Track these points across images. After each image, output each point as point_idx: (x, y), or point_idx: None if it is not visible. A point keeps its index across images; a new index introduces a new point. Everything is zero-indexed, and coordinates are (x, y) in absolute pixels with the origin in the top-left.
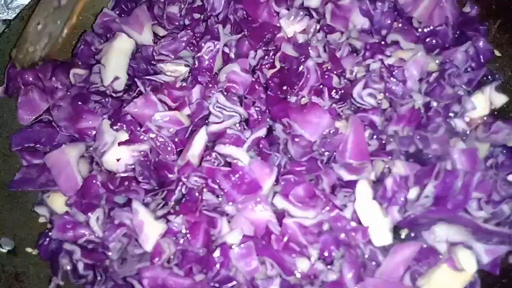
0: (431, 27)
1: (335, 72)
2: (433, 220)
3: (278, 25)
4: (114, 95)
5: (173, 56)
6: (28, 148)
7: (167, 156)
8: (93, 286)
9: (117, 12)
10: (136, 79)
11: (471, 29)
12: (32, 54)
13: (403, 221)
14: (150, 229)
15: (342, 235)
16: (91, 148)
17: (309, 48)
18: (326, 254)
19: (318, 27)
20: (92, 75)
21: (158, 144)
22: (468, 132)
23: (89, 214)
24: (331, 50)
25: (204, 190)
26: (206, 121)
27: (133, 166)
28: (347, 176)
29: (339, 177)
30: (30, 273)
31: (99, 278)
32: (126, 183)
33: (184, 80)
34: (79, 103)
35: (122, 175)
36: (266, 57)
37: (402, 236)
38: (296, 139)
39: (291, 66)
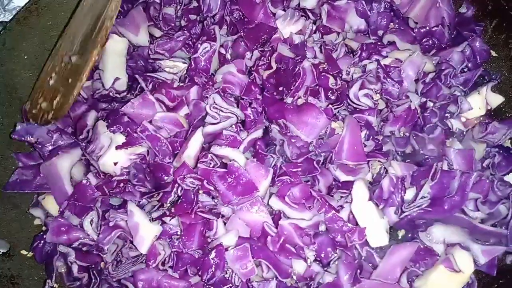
0: (427, 28)
1: (331, 73)
2: (430, 221)
3: (274, 26)
4: (118, 96)
5: (168, 55)
6: (28, 143)
7: (164, 158)
8: None
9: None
10: (136, 76)
11: (467, 29)
12: (45, 112)
13: (400, 222)
14: (146, 231)
15: (339, 237)
16: (87, 152)
17: (306, 49)
18: (322, 255)
19: (314, 28)
20: (94, 82)
21: (156, 145)
22: (464, 132)
23: (83, 217)
24: (328, 50)
25: (200, 191)
26: (204, 122)
27: (128, 170)
28: (343, 177)
29: (335, 178)
30: (24, 276)
31: (93, 280)
32: (122, 185)
33: (181, 80)
34: None
35: (118, 178)
36: (262, 58)
37: (399, 237)
38: (293, 140)
39: (287, 67)
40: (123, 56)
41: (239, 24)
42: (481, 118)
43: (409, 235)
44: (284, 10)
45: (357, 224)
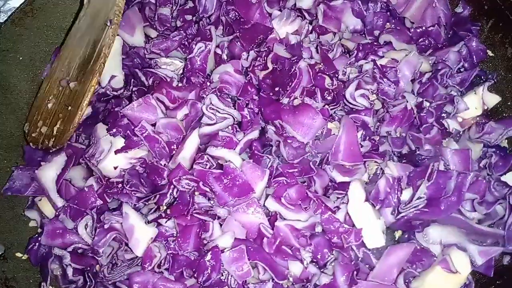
0: (424, 28)
1: (327, 73)
2: (427, 222)
3: (270, 26)
4: (115, 93)
5: (164, 55)
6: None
7: (161, 160)
8: None
9: None
10: (137, 70)
11: (463, 29)
12: (46, 137)
13: (396, 222)
14: (141, 234)
15: (335, 238)
16: (86, 156)
17: (302, 49)
18: (319, 256)
19: (310, 28)
20: None
21: (154, 146)
22: (461, 132)
23: (78, 221)
24: (324, 51)
25: (196, 193)
26: (200, 123)
27: (123, 173)
28: (339, 178)
29: (331, 179)
30: (19, 278)
31: (89, 283)
32: (120, 186)
33: (180, 79)
34: None
35: (116, 179)
36: (258, 58)
37: (396, 238)
38: (289, 141)
39: (283, 67)
40: (118, 55)
41: (235, 24)
42: (478, 118)
43: (406, 236)
44: (280, 10)
45: (353, 225)
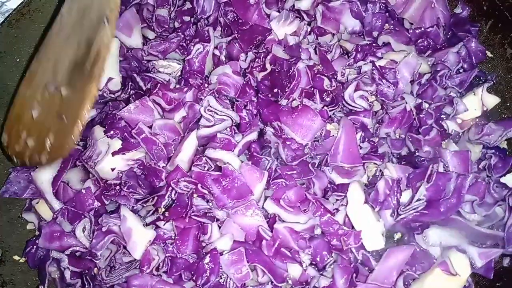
0: (423, 28)
1: (326, 75)
2: (426, 224)
3: (268, 27)
4: (112, 96)
5: (162, 57)
6: None
7: (158, 162)
8: None
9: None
10: (134, 75)
11: (462, 30)
12: (36, 152)
13: (396, 224)
14: (139, 236)
15: (334, 240)
16: (83, 158)
17: (300, 50)
18: (318, 259)
19: (309, 29)
20: None
21: (151, 148)
22: (460, 134)
23: (76, 224)
24: (322, 52)
25: (194, 195)
26: (198, 125)
27: (121, 175)
28: (338, 180)
29: (330, 181)
30: (17, 281)
31: (86, 286)
32: (118, 188)
33: (177, 81)
34: None
35: (114, 181)
36: (256, 59)
37: (395, 240)
38: (287, 143)
39: (282, 69)
40: (115, 56)
41: (233, 25)
42: (477, 120)
43: (405, 238)
44: (278, 11)
45: (352, 227)
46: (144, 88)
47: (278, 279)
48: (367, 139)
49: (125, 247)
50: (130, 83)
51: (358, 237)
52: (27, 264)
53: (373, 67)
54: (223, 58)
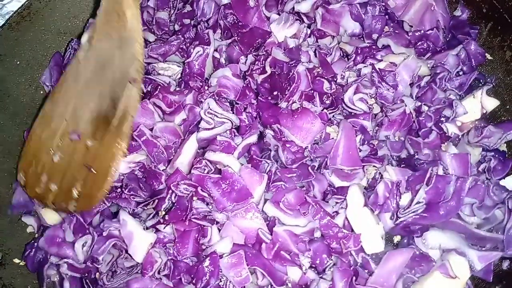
0: (422, 31)
1: (326, 77)
2: (426, 226)
3: (268, 30)
4: None
5: (162, 60)
6: None
7: (159, 165)
8: None
9: None
10: None
11: (462, 32)
12: (63, 199)
13: (395, 227)
14: (140, 240)
15: (334, 243)
16: None
17: (300, 53)
18: (317, 262)
19: (308, 31)
20: None
21: (152, 150)
22: (460, 136)
23: (77, 237)
24: (322, 55)
25: (194, 198)
26: (198, 128)
27: (122, 177)
28: (338, 182)
29: (330, 184)
30: (17, 284)
31: None
32: (119, 190)
33: (177, 84)
34: None
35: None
36: (256, 62)
37: (395, 243)
38: (287, 145)
39: (281, 71)
40: None
41: (233, 28)
42: (477, 122)
43: (405, 241)
44: (278, 14)
45: (352, 230)
46: (144, 91)
47: (278, 282)
48: (366, 142)
49: (126, 251)
50: None
51: (357, 240)
52: (27, 267)
53: (373, 70)
54: (223, 60)
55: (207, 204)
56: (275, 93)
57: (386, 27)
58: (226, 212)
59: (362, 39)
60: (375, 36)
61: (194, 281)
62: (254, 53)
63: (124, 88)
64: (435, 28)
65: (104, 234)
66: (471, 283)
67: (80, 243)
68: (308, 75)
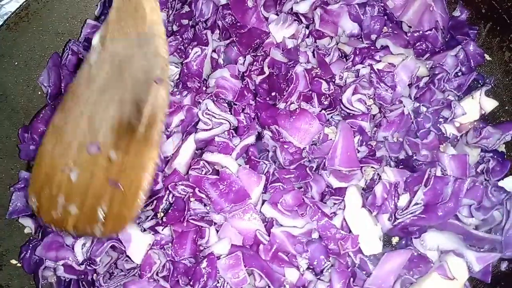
0: (421, 32)
1: (324, 78)
2: (424, 228)
3: (267, 30)
4: None
5: None
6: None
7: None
8: None
9: (104, 18)
10: None
11: (461, 33)
12: (87, 223)
13: (393, 229)
14: (138, 241)
15: (332, 244)
16: None
17: (298, 53)
18: (315, 263)
19: (307, 32)
20: None
21: None
22: (458, 137)
23: (77, 239)
24: (320, 55)
25: (191, 199)
26: (196, 129)
27: None
28: (336, 183)
29: (328, 185)
30: (14, 285)
31: None
32: None
33: (175, 84)
34: None
35: None
36: (255, 63)
37: (393, 244)
38: (285, 146)
39: (280, 72)
40: None
41: (231, 29)
42: (475, 123)
43: (403, 242)
44: (276, 14)
45: (350, 231)
46: None
47: (276, 283)
48: (365, 143)
49: (125, 253)
50: None
51: (355, 241)
52: (23, 269)
53: (371, 71)
54: (221, 61)
55: (205, 205)
56: (273, 94)
57: (385, 27)
58: (223, 213)
59: (360, 39)
60: (373, 36)
61: (191, 283)
62: (252, 54)
63: (149, 89)
64: (434, 29)
65: None
66: (469, 284)
67: (80, 243)
68: (306, 75)
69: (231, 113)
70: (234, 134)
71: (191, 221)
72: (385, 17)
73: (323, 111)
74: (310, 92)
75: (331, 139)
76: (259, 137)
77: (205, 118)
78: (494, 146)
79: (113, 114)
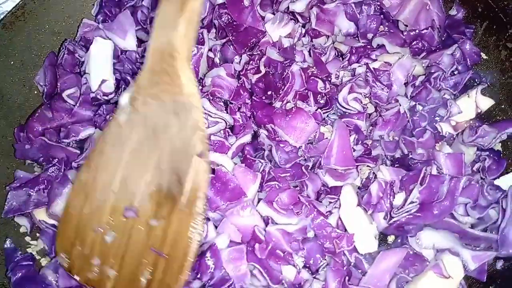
0: (417, 30)
1: (320, 77)
2: (419, 226)
3: (263, 29)
4: (105, 98)
5: None
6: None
7: None
8: None
9: (101, 18)
10: (129, 78)
11: (457, 32)
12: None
13: (389, 227)
14: None
15: (327, 243)
16: (81, 159)
17: (294, 52)
18: (311, 262)
19: (303, 31)
20: (82, 87)
21: None
22: (454, 136)
23: None
24: (317, 54)
25: None
26: None
27: None
28: (332, 182)
29: (324, 183)
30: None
31: None
32: None
33: None
34: None
35: None
36: (251, 62)
37: (388, 243)
38: (281, 145)
39: (276, 71)
40: (109, 58)
41: (227, 28)
42: (471, 122)
43: (398, 240)
44: (273, 13)
45: (345, 230)
46: None
47: (274, 280)
48: (360, 142)
49: None
50: (123, 85)
51: (350, 240)
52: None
53: (367, 69)
54: (217, 60)
55: None
56: (269, 92)
57: (381, 26)
58: (220, 211)
59: (357, 38)
60: (370, 35)
61: (199, 276)
62: (248, 53)
63: (190, 161)
64: (430, 28)
65: None
66: (465, 283)
67: None
68: (303, 74)
69: (227, 112)
70: (230, 133)
71: None
72: (382, 16)
73: (319, 110)
74: (306, 91)
75: (327, 138)
76: (255, 136)
77: None
78: (490, 144)
79: (150, 180)
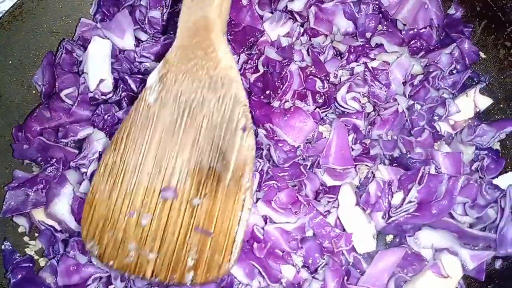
0: (416, 30)
1: (318, 76)
2: (418, 226)
3: (261, 28)
4: (104, 97)
5: (154, 59)
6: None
7: None
8: None
9: (99, 17)
10: (127, 77)
11: (455, 31)
12: (165, 271)
13: (387, 227)
14: None
15: (326, 242)
16: (79, 158)
17: (293, 51)
18: (310, 261)
19: (301, 30)
20: (81, 87)
21: None
22: (452, 135)
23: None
24: (315, 53)
25: None
26: None
27: None
28: (330, 182)
29: (322, 183)
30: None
31: None
32: None
33: None
34: None
35: None
36: (249, 61)
37: (387, 242)
38: (279, 144)
39: (274, 70)
40: (107, 57)
41: None
42: (470, 121)
43: (397, 240)
44: (271, 12)
45: (344, 229)
46: (135, 90)
47: (273, 279)
48: (359, 141)
49: None
50: (121, 85)
51: (349, 239)
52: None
53: (366, 69)
54: None
55: None
56: (267, 92)
57: (380, 25)
58: None
59: (355, 37)
60: (368, 34)
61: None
62: (246, 52)
63: (233, 136)
64: (428, 27)
65: None
66: (464, 282)
67: None
68: (301, 74)
69: None
70: None
71: None
72: (380, 15)
73: (317, 109)
74: (305, 90)
75: (325, 137)
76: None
77: None
78: (489, 144)
79: (189, 158)
